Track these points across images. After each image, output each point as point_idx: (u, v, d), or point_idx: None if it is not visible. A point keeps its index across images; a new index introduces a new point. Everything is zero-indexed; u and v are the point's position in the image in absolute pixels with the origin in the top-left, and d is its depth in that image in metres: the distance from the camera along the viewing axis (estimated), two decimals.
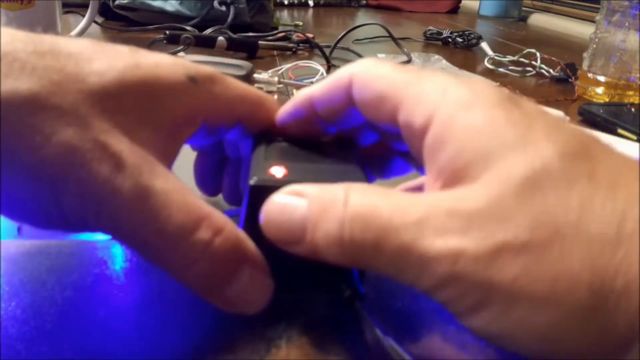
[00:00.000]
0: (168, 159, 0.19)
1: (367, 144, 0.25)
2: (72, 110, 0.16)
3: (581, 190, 0.15)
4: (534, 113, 0.17)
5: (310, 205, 0.17)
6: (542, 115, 0.17)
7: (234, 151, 0.26)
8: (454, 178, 0.16)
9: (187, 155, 0.27)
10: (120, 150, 0.16)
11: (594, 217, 0.14)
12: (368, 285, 0.23)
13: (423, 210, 0.16)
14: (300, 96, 0.22)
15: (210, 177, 0.27)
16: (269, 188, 0.19)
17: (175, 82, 0.19)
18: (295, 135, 0.23)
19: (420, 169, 0.25)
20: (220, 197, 0.28)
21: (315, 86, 0.22)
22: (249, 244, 0.19)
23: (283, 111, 0.23)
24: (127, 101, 0.18)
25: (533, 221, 0.14)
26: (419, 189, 0.25)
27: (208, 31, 0.78)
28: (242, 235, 0.18)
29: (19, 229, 0.22)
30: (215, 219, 0.18)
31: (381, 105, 0.19)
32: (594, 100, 0.62)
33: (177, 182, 0.18)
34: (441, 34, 0.95)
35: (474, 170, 0.16)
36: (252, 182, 0.19)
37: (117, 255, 0.24)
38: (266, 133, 0.24)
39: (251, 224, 0.19)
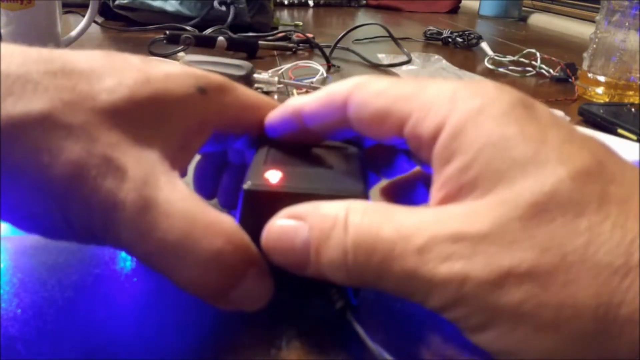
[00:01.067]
0: (180, 168, 0.19)
1: (371, 145, 0.25)
2: (81, 127, 0.16)
3: (590, 216, 0.14)
4: (547, 121, 0.17)
5: (310, 230, 0.17)
6: (555, 123, 0.17)
7: (237, 157, 0.27)
8: (460, 191, 0.16)
9: None
10: (125, 163, 0.17)
11: (602, 245, 0.14)
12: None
13: (427, 235, 0.15)
14: (288, 107, 0.22)
15: (209, 181, 0.27)
16: (262, 193, 0.19)
17: (185, 94, 0.20)
18: (281, 145, 0.22)
19: (424, 166, 0.24)
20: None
21: (305, 99, 0.21)
22: (253, 246, 0.18)
23: (270, 121, 0.22)
24: (137, 116, 0.18)
25: (539, 247, 0.14)
26: (412, 181, 0.25)
27: (208, 31, 0.78)
28: (247, 239, 0.18)
29: None
30: (223, 226, 0.17)
31: (384, 121, 0.19)
32: (594, 100, 0.62)
33: (184, 192, 0.18)
34: (441, 34, 0.95)
35: (482, 187, 0.16)
36: (245, 186, 0.19)
37: (118, 255, 0.24)
38: (265, 137, 0.24)
39: (245, 228, 0.19)
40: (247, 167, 0.22)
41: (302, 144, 0.23)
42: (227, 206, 0.27)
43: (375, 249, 0.16)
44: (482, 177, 0.16)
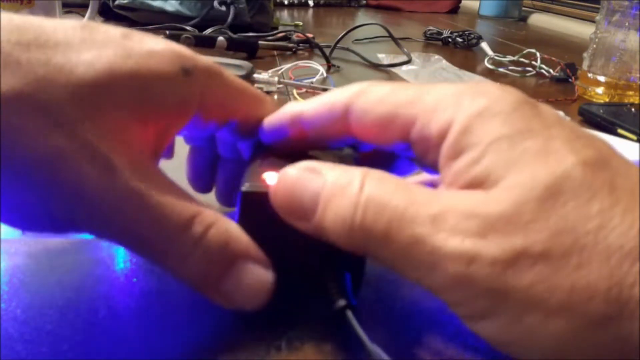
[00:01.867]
0: (157, 151, 0.19)
1: (369, 149, 0.25)
2: (58, 108, 0.15)
3: (602, 201, 0.14)
4: (552, 120, 0.17)
5: (325, 183, 0.17)
6: (559, 122, 0.17)
7: (226, 150, 0.26)
8: (471, 184, 0.16)
9: (179, 150, 0.27)
10: (109, 151, 0.16)
11: (614, 229, 0.14)
12: (369, 286, 0.23)
13: (441, 206, 0.15)
14: (287, 112, 0.21)
15: (202, 174, 0.27)
16: (259, 194, 0.19)
17: (167, 73, 0.18)
18: (279, 150, 0.22)
19: (425, 168, 0.24)
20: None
21: (304, 105, 0.21)
22: (244, 238, 0.18)
23: (267, 126, 0.22)
24: (116, 94, 0.17)
25: (553, 229, 0.14)
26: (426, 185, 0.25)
27: (208, 31, 0.78)
28: (235, 230, 0.18)
29: None
30: (207, 214, 0.18)
31: (387, 128, 0.19)
32: (594, 100, 0.62)
33: (167, 180, 0.18)
34: (441, 34, 0.95)
35: (494, 177, 0.16)
36: (243, 188, 0.19)
37: (117, 255, 0.24)
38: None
39: (244, 229, 0.19)
40: (244, 165, 0.22)
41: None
42: (225, 202, 0.27)
43: (387, 210, 0.16)
44: (494, 166, 0.16)
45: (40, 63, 0.16)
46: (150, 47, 0.19)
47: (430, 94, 0.18)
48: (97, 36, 0.18)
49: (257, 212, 0.19)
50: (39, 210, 0.16)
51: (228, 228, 0.18)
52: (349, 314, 0.18)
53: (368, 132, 0.20)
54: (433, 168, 0.18)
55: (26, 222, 0.17)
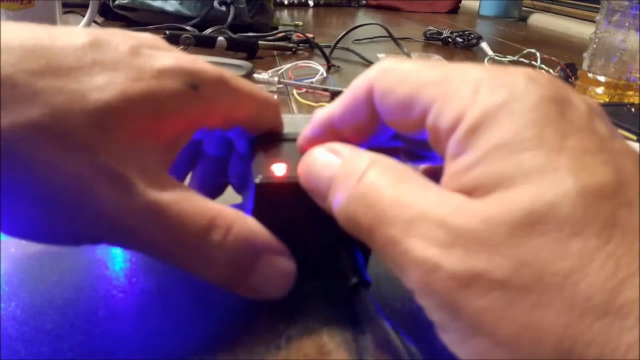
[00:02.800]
0: (168, 160, 0.20)
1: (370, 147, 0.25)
2: (76, 136, 0.16)
3: (586, 239, 0.13)
4: (576, 124, 0.15)
5: (338, 167, 0.18)
6: (585, 127, 0.15)
7: (212, 148, 0.26)
8: (462, 188, 0.15)
9: None
10: (125, 170, 0.17)
11: (587, 276, 0.13)
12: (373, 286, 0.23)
13: (419, 210, 0.15)
14: (318, 120, 0.21)
15: (180, 167, 0.27)
16: (273, 185, 0.19)
17: (176, 91, 0.19)
18: (278, 139, 0.22)
19: (415, 162, 0.24)
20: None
21: (332, 105, 0.20)
22: (264, 232, 0.19)
23: (303, 137, 0.21)
24: (129, 116, 0.18)
25: (520, 259, 0.13)
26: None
27: (208, 31, 0.78)
28: (255, 225, 0.19)
29: None
30: (226, 215, 0.18)
31: (409, 110, 0.17)
32: (594, 100, 0.62)
33: (183, 188, 0.18)
34: (441, 34, 0.95)
35: (483, 187, 0.15)
36: (257, 180, 0.19)
37: (117, 255, 0.24)
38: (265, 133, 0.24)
39: (259, 220, 0.20)
40: (244, 161, 0.22)
41: (294, 136, 0.22)
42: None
43: (372, 207, 0.16)
44: (485, 177, 0.15)
45: (56, 91, 0.16)
46: (159, 66, 0.19)
47: (452, 77, 0.17)
48: (107, 56, 0.18)
49: (271, 202, 0.20)
50: (67, 232, 0.17)
51: (248, 225, 0.19)
52: (363, 290, 0.19)
53: (392, 114, 0.18)
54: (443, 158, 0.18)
55: (56, 240, 0.18)
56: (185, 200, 0.18)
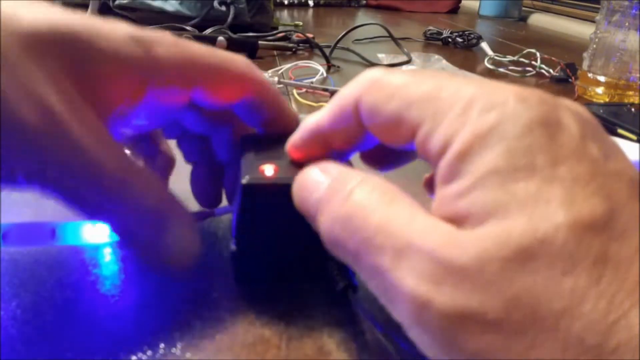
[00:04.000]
0: (115, 116, 0.20)
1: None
2: (3, 53, 0.16)
3: (578, 277, 0.13)
4: (567, 149, 0.14)
5: (326, 187, 0.17)
6: (575, 154, 0.14)
7: (192, 155, 0.27)
8: (453, 218, 0.15)
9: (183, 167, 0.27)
10: (50, 99, 0.16)
11: (580, 317, 0.12)
12: (367, 286, 0.23)
13: (408, 239, 0.14)
14: (306, 127, 0.20)
15: (205, 190, 0.27)
16: (260, 186, 0.19)
17: (115, 38, 0.19)
18: (268, 140, 0.22)
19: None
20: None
21: (320, 113, 0.20)
22: (178, 199, 0.20)
23: (292, 144, 0.21)
24: (58, 48, 0.17)
25: (513, 299, 0.13)
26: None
27: (208, 31, 0.78)
28: (169, 194, 0.20)
29: (4, 236, 0.22)
30: (146, 172, 0.19)
31: (397, 128, 0.17)
32: (594, 100, 0.62)
33: (108, 134, 0.18)
34: (441, 34, 0.95)
35: (475, 217, 0.14)
36: (244, 181, 0.19)
37: (117, 255, 0.24)
38: (252, 135, 0.24)
39: (245, 221, 0.20)
40: (212, 166, 0.22)
41: (284, 137, 0.21)
42: (203, 203, 0.27)
43: (359, 230, 0.15)
44: (477, 206, 0.14)
45: None
46: (102, 19, 0.19)
47: (442, 94, 0.16)
48: (47, 4, 0.18)
49: (257, 203, 0.20)
50: None
51: (164, 186, 0.19)
52: (351, 293, 0.19)
53: (380, 130, 0.18)
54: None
55: None
56: (108, 147, 0.18)
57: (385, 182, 0.17)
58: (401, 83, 0.17)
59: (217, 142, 0.26)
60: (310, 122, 0.20)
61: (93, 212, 0.18)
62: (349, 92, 0.19)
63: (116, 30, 0.19)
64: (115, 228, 0.18)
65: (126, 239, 0.19)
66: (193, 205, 0.26)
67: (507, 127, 0.15)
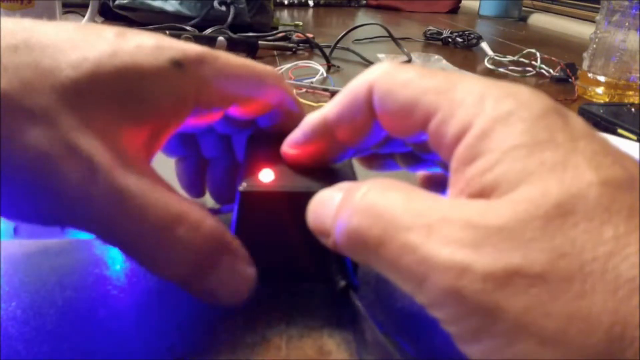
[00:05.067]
0: (153, 149, 0.19)
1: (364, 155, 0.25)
2: (42, 110, 0.15)
3: (617, 225, 0.13)
4: (580, 132, 0.15)
5: (341, 196, 0.17)
6: (589, 135, 0.15)
7: (210, 150, 0.26)
8: (481, 193, 0.15)
9: (167, 161, 0.27)
10: (92, 151, 0.16)
11: (627, 258, 0.13)
12: (369, 287, 0.23)
13: (439, 214, 0.14)
14: (311, 122, 0.20)
15: (193, 181, 0.27)
16: (257, 193, 0.19)
17: (157, 68, 0.18)
18: (306, 165, 0.21)
19: (411, 167, 0.24)
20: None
21: (327, 107, 0.20)
22: (228, 234, 0.19)
23: (292, 142, 0.21)
24: (102, 94, 0.17)
25: (557, 251, 0.13)
26: (438, 180, 0.25)
27: (208, 31, 0.78)
28: (220, 226, 0.19)
29: (15, 229, 0.22)
30: (194, 214, 0.18)
31: (409, 114, 0.17)
32: (594, 100, 0.62)
33: (155, 180, 0.18)
34: (441, 34, 0.95)
35: (505, 187, 0.14)
36: (241, 188, 0.19)
37: (117, 255, 0.24)
38: (259, 134, 0.24)
39: (243, 227, 0.20)
40: (230, 160, 0.22)
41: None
42: (221, 201, 0.27)
43: (383, 216, 0.15)
44: (506, 176, 0.14)
45: (28, 67, 0.16)
46: (139, 42, 0.18)
47: (457, 87, 0.17)
48: (88, 37, 0.18)
49: (255, 210, 0.20)
50: (28, 207, 0.16)
51: (213, 227, 0.18)
52: (352, 293, 0.18)
53: (392, 117, 0.18)
54: (443, 167, 0.18)
55: (21, 217, 0.17)
56: (153, 192, 0.17)
57: (398, 181, 0.17)
58: (415, 74, 0.18)
59: (238, 141, 0.26)
60: (314, 116, 0.20)
61: (139, 260, 0.17)
62: (362, 80, 0.19)
63: (158, 57, 0.18)
64: (162, 274, 0.18)
65: (172, 282, 0.18)
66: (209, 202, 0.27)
67: (525, 112, 0.15)
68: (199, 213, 0.18)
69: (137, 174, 0.17)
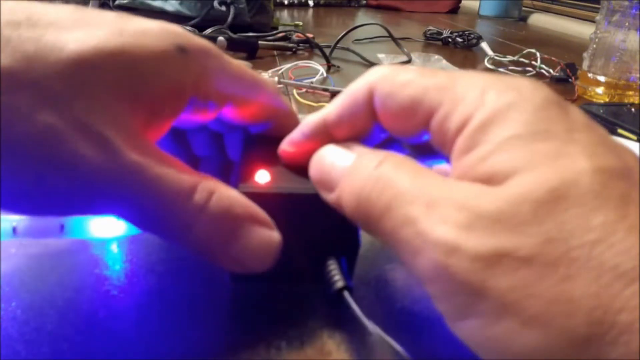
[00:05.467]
0: (155, 131, 0.19)
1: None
2: (48, 85, 0.15)
3: (607, 212, 0.13)
4: (578, 123, 0.16)
5: (353, 160, 0.18)
6: (587, 126, 0.16)
7: (203, 148, 0.26)
8: (478, 180, 0.15)
9: None
10: (103, 127, 0.16)
11: (612, 246, 0.13)
12: (369, 287, 0.23)
13: (440, 193, 0.15)
14: (310, 122, 0.20)
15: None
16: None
17: (161, 51, 0.18)
18: (302, 164, 0.21)
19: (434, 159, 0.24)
20: None
21: (327, 109, 0.20)
22: (246, 202, 0.19)
23: (290, 141, 0.21)
24: (106, 71, 0.17)
25: (545, 236, 0.13)
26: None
27: (208, 31, 0.78)
28: (237, 195, 0.19)
29: (14, 229, 0.22)
30: (207, 182, 0.18)
31: (412, 113, 0.18)
32: (594, 100, 0.62)
33: (164, 154, 0.18)
34: (441, 34, 0.95)
35: (501, 175, 0.15)
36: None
37: (117, 256, 0.24)
38: (255, 135, 0.24)
39: None
40: (220, 160, 0.22)
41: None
42: None
43: (391, 187, 0.16)
44: (502, 164, 0.15)
45: (31, 41, 0.15)
46: (144, 25, 0.18)
47: (458, 83, 0.17)
48: (90, 18, 0.18)
49: None
50: (37, 190, 0.15)
51: (229, 194, 0.18)
52: (347, 294, 0.19)
53: (393, 117, 0.18)
54: (448, 161, 0.18)
55: (24, 203, 0.16)
56: (167, 165, 0.17)
57: (410, 158, 0.17)
58: (416, 74, 0.18)
59: (230, 140, 0.26)
60: (314, 117, 0.20)
61: (161, 232, 0.17)
62: (362, 82, 0.19)
63: (163, 40, 0.18)
64: (185, 244, 0.18)
65: (197, 252, 0.18)
66: None
67: (525, 104, 0.16)
68: (213, 182, 0.18)
69: (147, 148, 0.17)
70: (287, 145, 0.21)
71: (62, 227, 0.23)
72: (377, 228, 0.16)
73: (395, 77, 0.18)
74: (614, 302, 0.13)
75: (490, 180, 0.15)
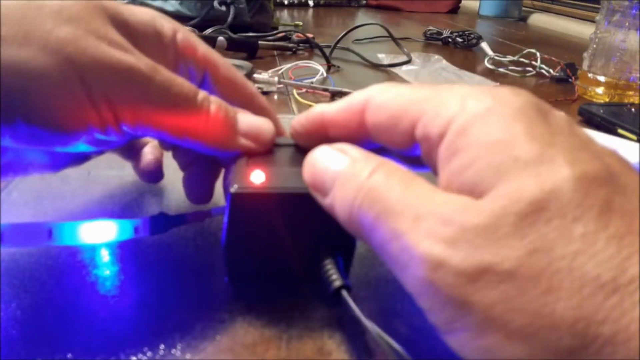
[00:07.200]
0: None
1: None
2: (78, 14, 0.19)
3: (588, 223, 0.13)
4: (559, 126, 0.16)
5: (346, 165, 0.18)
6: (568, 130, 0.16)
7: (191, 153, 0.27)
8: (461, 189, 0.16)
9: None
10: (121, 39, 0.20)
11: (593, 256, 0.13)
12: (370, 287, 0.23)
13: (427, 206, 0.15)
14: (312, 114, 0.22)
15: (201, 187, 0.27)
16: (248, 195, 0.19)
17: (141, 12, 0.25)
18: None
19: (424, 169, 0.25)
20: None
21: (328, 106, 0.21)
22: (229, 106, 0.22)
23: (297, 121, 0.22)
24: (100, 10, 0.20)
25: (527, 248, 0.13)
26: None
27: (208, 31, 0.78)
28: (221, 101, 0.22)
29: (1, 237, 0.22)
30: (202, 92, 0.21)
31: (398, 124, 0.18)
32: (594, 100, 0.62)
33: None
34: (441, 34, 0.95)
35: (482, 185, 0.15)
36: (232, 190, 0.19)
37: (117, 256, 0.24)
38: None
39: (234, 228, 0.20)
40: (207, 161, 0.22)
41: (281, 145, 0.22)
42: (195, 200, 0.27)
43: (381, 200, 0.16)
44: (483, 174, 0.15)
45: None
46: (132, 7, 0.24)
47: (443, 93, 0.18)
48: None
49: (246, 212, 0.20)
50: (74, 88, 0.18)
51: (220, 102, 0.22)
52: (344, 293, 0.19)
53: (381, 129, 0.19)
54: (435, 171, 0.18)
55: (61, 113, 0.18)
56: (168, 71, 0.20)
57: (402, 166, 0.17)
58: (406, 89, 0.19)
59: None
60: (317, 110, 0.21)
61: (170, 128, 0.20)
62: (360, 94, 0.20)
63: (141, 9, 0.24)
64: (198, 136, 0.21)
65: (209, 143, 0.21)
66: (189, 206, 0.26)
67: (504, 109, 0.16)
68: (203, 92, 0.21)
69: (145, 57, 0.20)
70: (296, 123, 0.22)
71: (50, 233, 0.22)
72: (369, 240, 0.16)
73: (388, 91, 0.19)
74: (596, 314, 0.13)
75: (474, 190, 0.15)
